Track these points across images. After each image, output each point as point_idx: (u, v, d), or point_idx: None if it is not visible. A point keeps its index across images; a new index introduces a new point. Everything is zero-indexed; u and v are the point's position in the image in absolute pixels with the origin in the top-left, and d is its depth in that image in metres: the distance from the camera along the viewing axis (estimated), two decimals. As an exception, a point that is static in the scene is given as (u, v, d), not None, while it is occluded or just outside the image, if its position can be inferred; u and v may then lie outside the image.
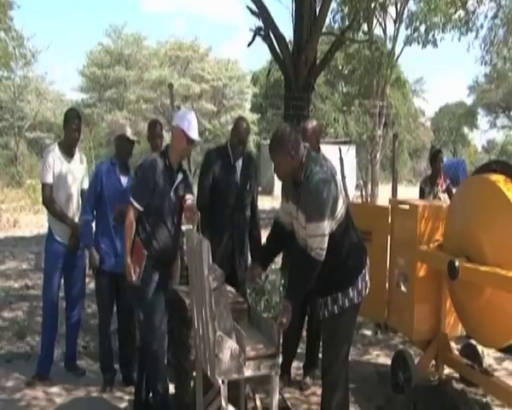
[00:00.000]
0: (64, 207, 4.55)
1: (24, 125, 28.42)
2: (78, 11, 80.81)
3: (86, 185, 4.70)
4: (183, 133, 3.63)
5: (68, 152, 4.61)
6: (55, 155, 4.54)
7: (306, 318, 4.65)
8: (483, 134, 50.12)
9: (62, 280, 4.69)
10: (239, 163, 4.47)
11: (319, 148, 4.24)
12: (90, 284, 7.27)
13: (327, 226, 3.08)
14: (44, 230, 4.78)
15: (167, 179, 3.68)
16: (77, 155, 4.69)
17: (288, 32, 7.12)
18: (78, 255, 4.65)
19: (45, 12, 71.51)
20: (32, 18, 48.68)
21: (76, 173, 4.63)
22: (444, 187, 6.54)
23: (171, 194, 3.70)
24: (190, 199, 3.77)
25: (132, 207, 3.63)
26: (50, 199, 4.52)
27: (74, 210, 4.61)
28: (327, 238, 3.09)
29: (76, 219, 4.57)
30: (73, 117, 4.61)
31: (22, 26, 32.35)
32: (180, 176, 3.77)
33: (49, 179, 4.50)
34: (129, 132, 4.39)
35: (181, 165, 3.81)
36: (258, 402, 3.63)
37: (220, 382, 2.98)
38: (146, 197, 3.63)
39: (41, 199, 4.70)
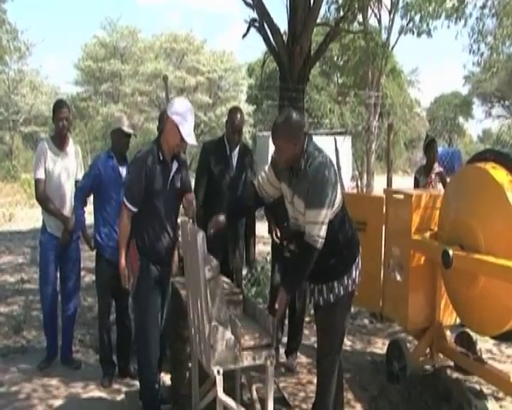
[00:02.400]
0: (58, 201, 4.54)
1: (19, 119, 28.26)
2: (72, 4, 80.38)
3: (81, 176, 4.71)
4: (178, 132, 3.41)
5: (60, 144, 4.59)
6: (46, 149, 4.53)
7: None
8: (478, 124, 50.24)
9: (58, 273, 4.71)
10: (235, 153, 4.49)
11: None
12: (86, 278, 7.31)
13: (327, 215, 3.08)
14: (40, 224, 4.77)
15: (161, 174, 3.51)
16: (70, 147, 4.67)
17: (282, 23, 7.12)
18: (73, 248, 4.67)
19: (39, 5, 71.04)
20: (26, 11, 48.44)
21: (69, 165, 4.62)
22: (436, 170, 6.51)
23: (167, 188, 3.54)
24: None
25: (126, 208, 3.49)
26: (43, 195, 4.52)
27: (68, 203, 4.60)
28: (326, 227, 3.09)
29: (70, 212, 4.58)
30: (60, 107, 4.58)
31: (16, 20, 32.24)
32: (175, 166, 3.59)
33: (41, 175, 4.50)
34: (125, 126, 4.37)
35: (174, 153, 3.59)
36: (254, 392, 3.64)
37: (216, 372, 3.00)
38: (139, 199, 3.47)
39: (34, 195, 4.68)
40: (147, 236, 3.54)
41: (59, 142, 4.59)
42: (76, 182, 4.68)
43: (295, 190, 3.18)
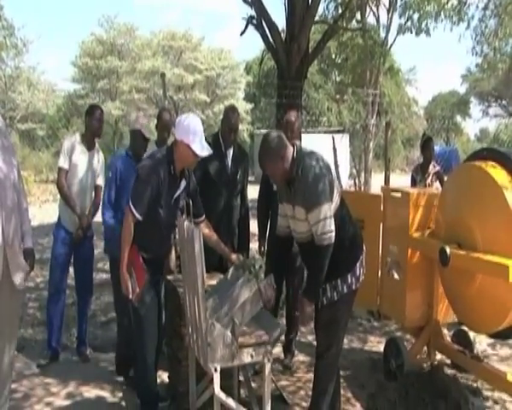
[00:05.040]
0: (76, 197, 4.61)
1: (16, 116, 28.15)
2: (69, 1, 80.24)
3: (101, 182, 4.74)
4: (190, 149, 3.33)
5: (89, 144, 4.70)
6: (74, 143, 4.63)
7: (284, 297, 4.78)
8: (476, 123, 50.33)
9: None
10: (230, 151, 4.50)
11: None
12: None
13: (328, 209, 3.13)
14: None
15: (170, 188, 3.43)
16: (97, 150, 4.78)
17: (280, 20, 7.11)
18: (86, 247, 4.70)
19: (36, 1, 70.82)
20: (23, 7, 48.21)
21: (93, 167, 4.68)
22: (434, 170, 6.51)
23: (172, 203, 3.48)
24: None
25: (131, 214, 3.36)
26: (62, 183, 4.60)
27: (86, 202, 4.68)
28: (332, 220, 3.14)
29: (86, 211, 4.64)
30: (97, 108, 4.77)
31: (13, 16, 32.08)
32: (183, 184, 3.51)
33: (64, 164, 4.59)
34: (145, 130, 4.35)
35: (184, 170, 3.52)
36: (251, 390, 3.64)
37: (213, 369, 3.00)
38: (146, 206, 3.37)
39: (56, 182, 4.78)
40: (145, 242, 3.47)
41: (88, 140, 4.69)
42: (96, 187, 4.74)
43: (294, 201, 3.23)
